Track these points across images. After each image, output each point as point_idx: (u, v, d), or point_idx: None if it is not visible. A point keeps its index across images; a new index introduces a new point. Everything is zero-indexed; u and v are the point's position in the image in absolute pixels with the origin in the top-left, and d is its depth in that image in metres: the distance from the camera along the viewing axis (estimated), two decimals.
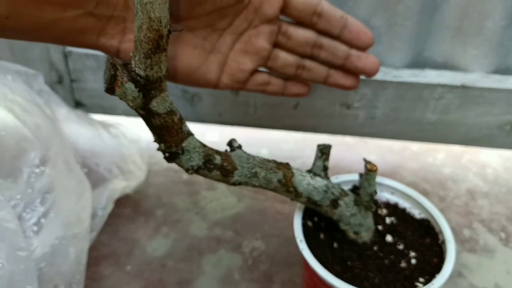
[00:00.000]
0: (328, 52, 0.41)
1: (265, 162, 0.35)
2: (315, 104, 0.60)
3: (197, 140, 0.31)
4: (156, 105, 0.28)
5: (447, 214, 0.60)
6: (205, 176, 0.32)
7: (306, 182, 0.36)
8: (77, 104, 0.64)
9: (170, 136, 0.29)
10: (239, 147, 0.35)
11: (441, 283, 0.34)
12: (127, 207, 0.59)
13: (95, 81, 0.62)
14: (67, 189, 0.45)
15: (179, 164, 0.31)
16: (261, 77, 0.43)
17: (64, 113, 0.52)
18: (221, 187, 0.63)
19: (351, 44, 0.41)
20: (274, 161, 0.36)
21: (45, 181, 0.42)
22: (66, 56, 0.60)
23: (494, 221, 0.60)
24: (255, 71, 0.42)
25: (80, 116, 0.53)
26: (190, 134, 0.31)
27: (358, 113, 0.61)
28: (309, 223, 0.41)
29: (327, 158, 0.37)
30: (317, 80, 0.43)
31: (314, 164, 0.37)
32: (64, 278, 0.42)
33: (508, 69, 0.57)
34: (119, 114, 0.66)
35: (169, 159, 0.30)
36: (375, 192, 0.36)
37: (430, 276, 0.36)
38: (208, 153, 0.32)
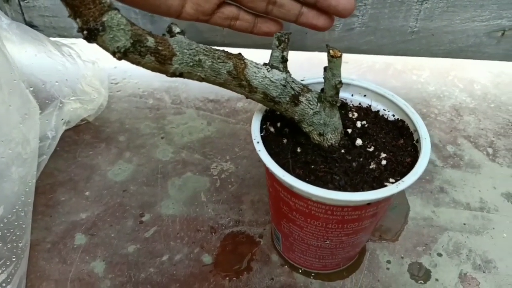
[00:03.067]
0: None
1: (211, 50, 0.30)
2: None
3: (122, 16, 0.26)
4: None
5: (430, 131, 0.56)
6: (137, 63, 0.28)
7: (261, 75, 0.32)
8: (29, 26, 0.58)
9: (85, 8, 0.25)
10: (181, 32, 0.30)
11: (414, 179, 0.30)
12: (86, 134, 0.55)
13: None
14: (6, 105, 0.40)
15: (102, 46, 0.26)
16: (229, 10, 0.40)
17: (4, 26, 0.47)
18: (190, 111, 0.59)
19: None
20: (224, 51, 0.31)
21: None
22: None
23: (481, 136, 0.56)
24: (222, 3, 0.39)
25: (24, 30, 0.48)
26: (113, 8, 0.26)
27: (334, 24, 0.56)
28: (271, 129, 0.36)
29: (285, 48, 0.32)
30: (288, 18, 0.41)
31: (271, 55, 0.33)
32: (5, 199, 0.38)
33: None
34: (76, 37, 0.60)
35: (89, 38, 0.25)
36: (340, 83, 0.32)
37: (402, 176, 0.32)
38: (138, 33, 0.27)
